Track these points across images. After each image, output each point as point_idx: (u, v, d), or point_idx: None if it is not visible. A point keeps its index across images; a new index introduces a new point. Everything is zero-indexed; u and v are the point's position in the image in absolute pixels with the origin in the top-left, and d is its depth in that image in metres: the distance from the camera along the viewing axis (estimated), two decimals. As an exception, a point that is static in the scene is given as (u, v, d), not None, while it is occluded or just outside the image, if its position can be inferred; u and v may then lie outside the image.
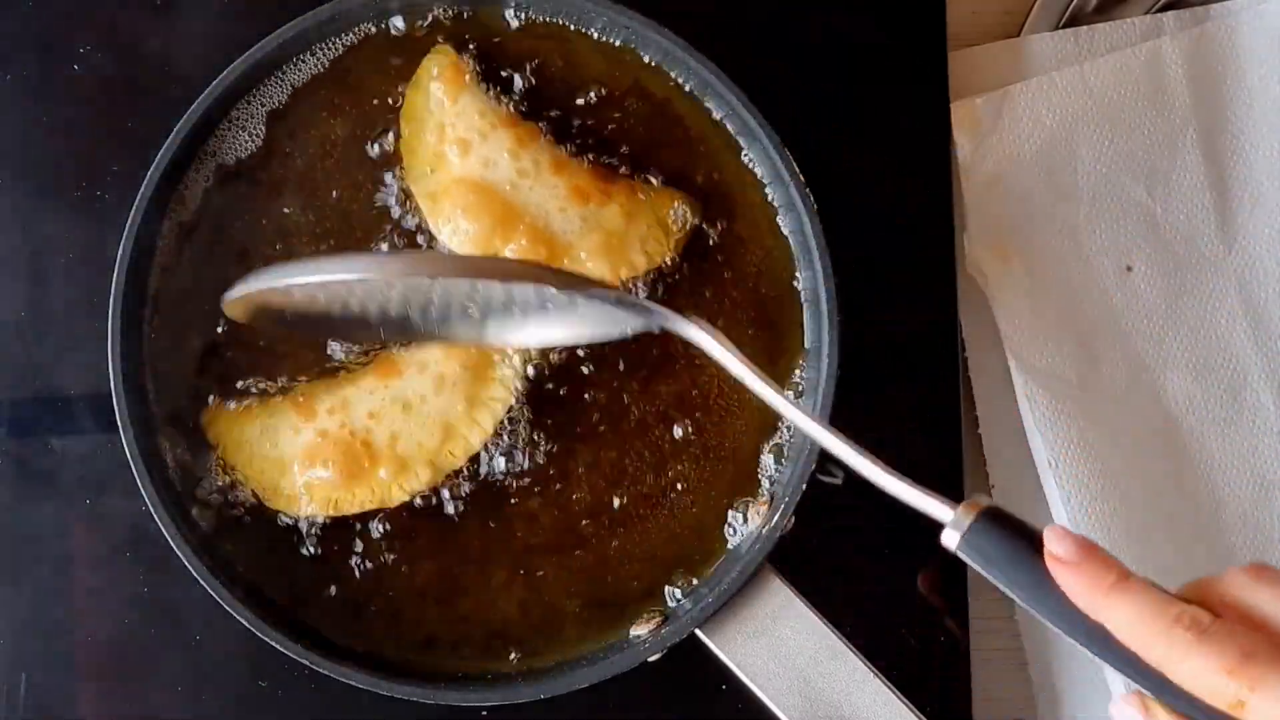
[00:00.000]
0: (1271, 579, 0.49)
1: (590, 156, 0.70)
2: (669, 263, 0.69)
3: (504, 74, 0.70)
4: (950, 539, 0.52)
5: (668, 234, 0.69)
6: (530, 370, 0.69)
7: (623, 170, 0.70)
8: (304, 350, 0.69)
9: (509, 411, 0.68)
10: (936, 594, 0.72)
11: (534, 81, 0.70)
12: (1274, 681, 0.46)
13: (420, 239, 0.69)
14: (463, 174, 0.67)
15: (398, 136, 0.69)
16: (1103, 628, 0.50)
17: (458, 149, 0.68)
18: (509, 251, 0.67)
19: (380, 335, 0.64)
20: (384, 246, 0.69)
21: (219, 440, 0.68)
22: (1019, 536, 0.51)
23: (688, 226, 0.70)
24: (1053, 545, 0.51)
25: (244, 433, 0.68)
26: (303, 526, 0.68)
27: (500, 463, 0.69)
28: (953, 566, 0.67)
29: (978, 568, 0.52)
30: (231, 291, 0.59)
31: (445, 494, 0.69)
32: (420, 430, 0.67)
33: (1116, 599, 0.49)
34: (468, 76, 0.69)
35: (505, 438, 0.69)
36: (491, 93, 0.69)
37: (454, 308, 0.61)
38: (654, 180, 0.70)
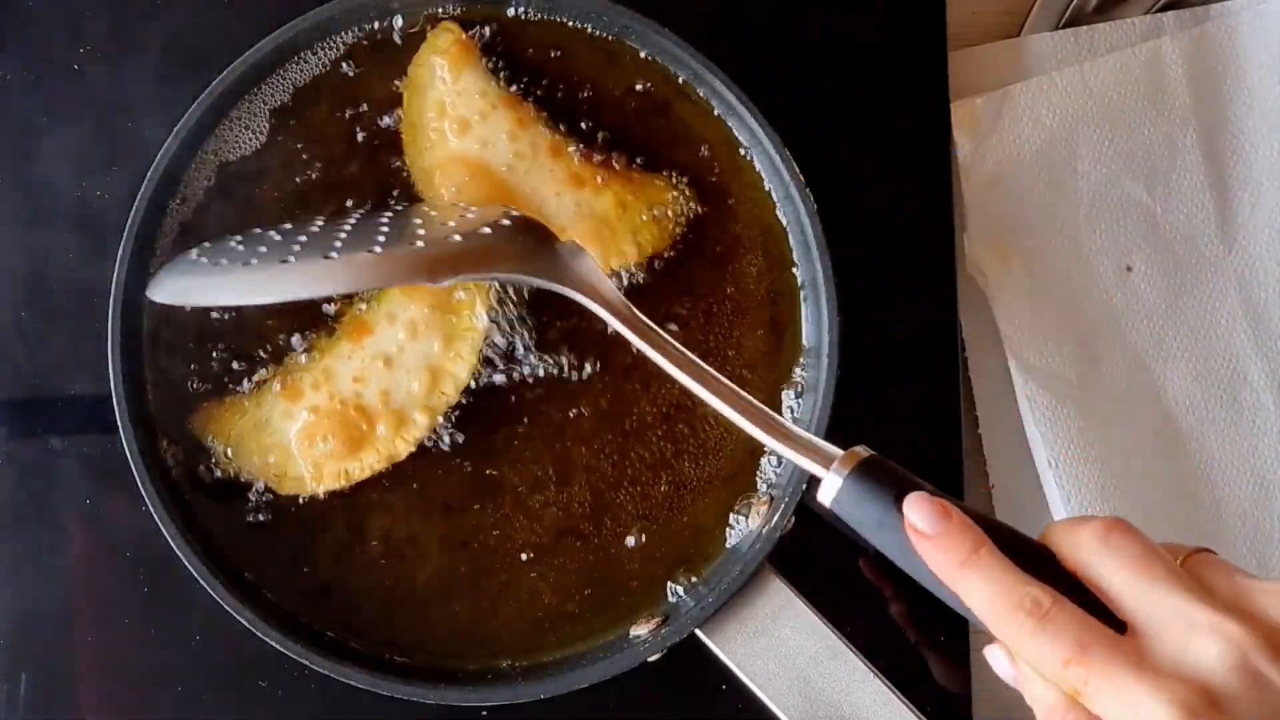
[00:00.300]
0: (1118, 544, 0.50)
1: (586, 147, 0.70)
2: (665, 254, 0.69)
3: (503, 65, 0.70)
4: (825, 495, 0.53)
5: (662, 226, 0.69)
6: (494, 293, 0.68)
7: (619, 162, 0.70)
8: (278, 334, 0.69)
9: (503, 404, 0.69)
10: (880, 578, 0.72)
11: (532, 78, 0.70)
12: (1105, 672, 0.47)
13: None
14: (460, 151, 0.68)
15: (398, 131, 0.69)
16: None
17: (456, 126, 0.68)
18: None
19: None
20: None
21: (217, 438, 0.68)
22: (888, 494, 0.52)
23: (684, 218, 0.70)
24: (910, 514, 0.51)
25: (239, 427, 0.68)
26: (305, 523, 0.68)
27: (502, 461, 0.69)
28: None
29: (849, 522, 0.53)
30: (154, 292, 0.62)
31: (445, 495, 0.69)
32: (407, 379, 0.67)
33: (969, 574, 0.50)
34: (472, 53, 0.69)
35: (506, 439, 0.69)
36: (495, 72, 0.69)
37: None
38: (653, 173, 0.70)
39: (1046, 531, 0.52)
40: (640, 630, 0.68)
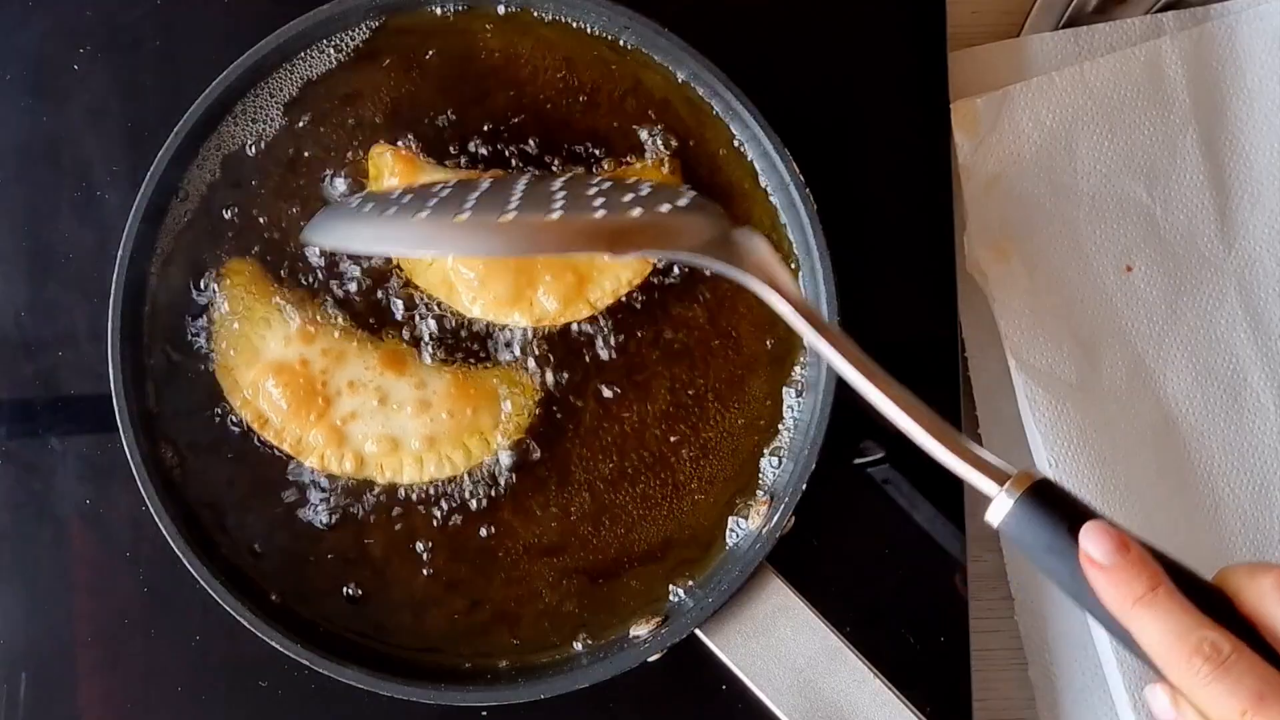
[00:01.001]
0: None
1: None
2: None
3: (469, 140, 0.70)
4: (994, 516, 0.52)
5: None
6: (505, 459, 0.69)
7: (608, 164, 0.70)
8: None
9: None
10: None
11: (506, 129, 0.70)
12: None
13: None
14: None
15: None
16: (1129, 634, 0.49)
17: None
18: (540, 297, 0.68)
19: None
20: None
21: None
22: (1061, 521, 0.50)
23: None
24: (1086, 544, 0.50)
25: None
26: (304, 524, 0.68)
27: (504, 460, 0.69)
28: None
29: (1019, 548, 0.51)
30: (307, 236, 0.61)
31: (444, 494, 0.69)
32: (375, 428, 0.67)
33: (1143, 612, 0.49)
34: (418, 159, 0.69)
35: (505, 439, 0.69)
36: (450, 154, 0.70)
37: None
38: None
39: (1224, 574, 0.51)
40: (640, 630, 0.68)
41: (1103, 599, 0.49)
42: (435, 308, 0.69)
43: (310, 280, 0.69)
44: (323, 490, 0.69)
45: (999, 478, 0.52)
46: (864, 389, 0.55)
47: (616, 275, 0.68)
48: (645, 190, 0.60)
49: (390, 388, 0.68)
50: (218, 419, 0.69)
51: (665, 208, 0.58)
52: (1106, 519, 0.51)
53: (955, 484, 0.73)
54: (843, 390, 0.67)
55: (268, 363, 0.68)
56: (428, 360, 0.68)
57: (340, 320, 0.69)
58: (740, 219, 0.70)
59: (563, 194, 0.58)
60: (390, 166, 0.68)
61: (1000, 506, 0.51)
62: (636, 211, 0.57)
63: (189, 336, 0.69)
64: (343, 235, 0.60)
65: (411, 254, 0.64)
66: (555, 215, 0.56)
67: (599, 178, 0.64)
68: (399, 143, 0.69)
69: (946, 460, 0.54)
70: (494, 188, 0.60)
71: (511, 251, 0.59)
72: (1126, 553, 0.49)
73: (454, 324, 0.69)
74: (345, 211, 0.61)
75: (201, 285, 0.69)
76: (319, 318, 0.68)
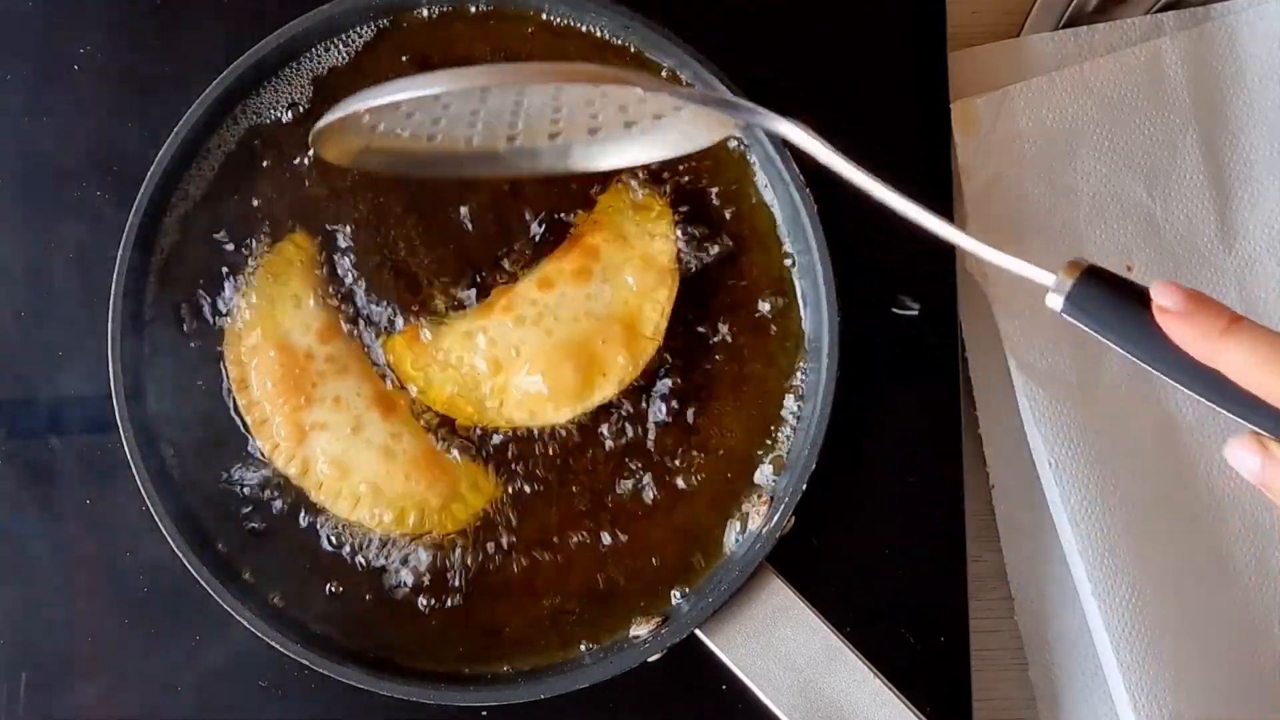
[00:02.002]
0: None
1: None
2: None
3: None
4: (1055, 301, 0.52)
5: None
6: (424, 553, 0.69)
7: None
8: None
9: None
10: None
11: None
12: None
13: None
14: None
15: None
16: (1217, 374, 0.50)
17: None
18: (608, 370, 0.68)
19: (470, 168, 0.64)
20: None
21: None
22: (1124, 293, 0.51)
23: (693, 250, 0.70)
24: (1160, 298, 0.50)
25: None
26: (304, 525, 0.68)
27: (422, 556, 0.69)
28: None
29: (1085, 328, 0.52)
30: (316, 127, 0.58)
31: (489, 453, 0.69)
32: (335, 450, 0.67)
33: (1230, 343, 0.49)
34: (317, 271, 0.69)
35: (504, 442, 0.69)
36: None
37: (539, 135, 0.61)
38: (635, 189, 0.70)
39: None
40: (640, 630, 0.68)
41: (1185, 345, 0.50)
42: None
43: (350, 287, 0.69)
44: (262, 477, 0.68)
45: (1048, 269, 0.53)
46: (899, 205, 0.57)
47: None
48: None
49: (368, 423, 0.68)
50: (218, 418, 0.69)
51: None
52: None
53: (956, 484, 0.73)
54: (842, 391, 0.68)
55: (279, 337, 0.68)
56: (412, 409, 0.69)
57: (361, 336, 0.69)
58: (739, 219, 0.70)
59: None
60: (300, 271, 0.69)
61: (1061, 289, 0.52)
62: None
63: (197, 319, 0.69)
64: (350, 102, 0.57)
65: (425, 92, 0.58)
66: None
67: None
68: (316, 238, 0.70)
69: (994, 257, 0.55)
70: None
71: (528, 80, 0.58)
72: (1200, 298, 0.50)
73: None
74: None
75: (246, 246, 0.69)
76: (343, 324, 0.69)
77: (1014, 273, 0.54)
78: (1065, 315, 0.52)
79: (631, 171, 0.69)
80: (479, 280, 0.69)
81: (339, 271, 0.69)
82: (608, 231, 0.69)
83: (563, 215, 0.70)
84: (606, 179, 0.70)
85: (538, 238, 0.70)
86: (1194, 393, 0.51)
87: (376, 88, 0.56)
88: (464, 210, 0.70)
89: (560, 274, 0.68)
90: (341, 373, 0.68)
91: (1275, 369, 0.48)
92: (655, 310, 0.68)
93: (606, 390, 0.68)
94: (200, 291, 0.69)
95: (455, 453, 0.68)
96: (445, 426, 0.69)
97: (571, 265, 0.68)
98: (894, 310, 0.72)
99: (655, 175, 0.70)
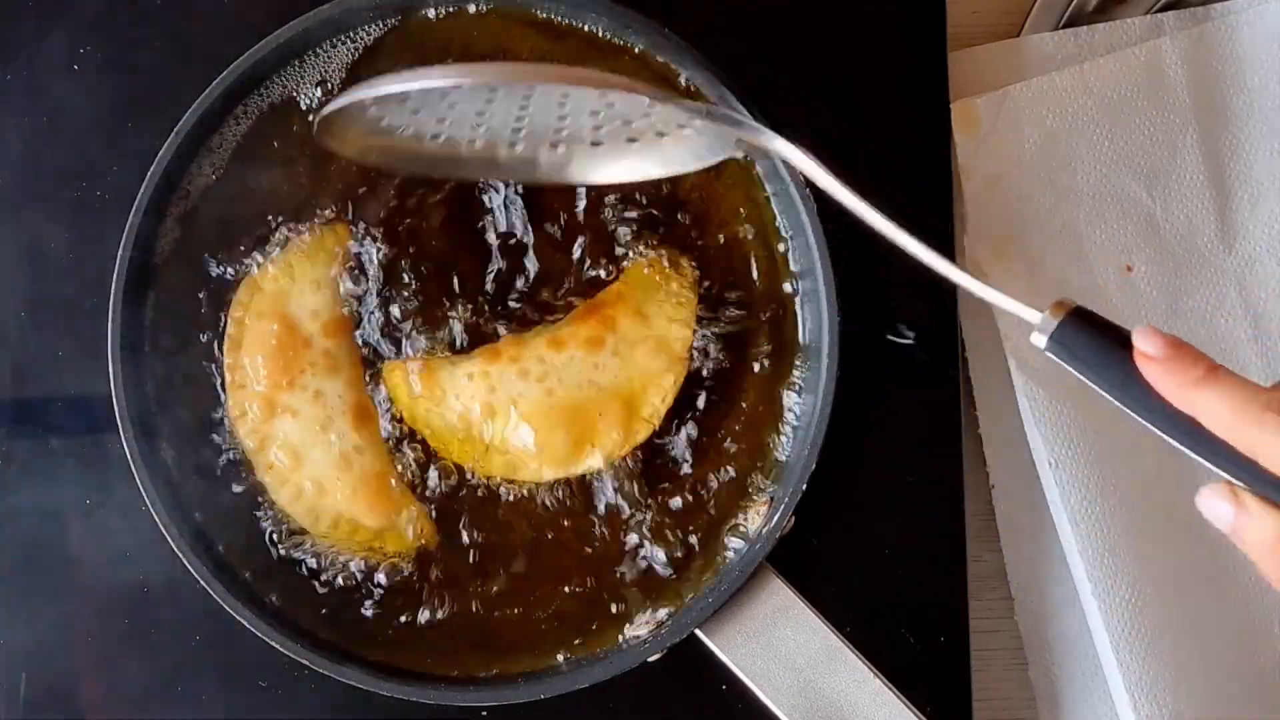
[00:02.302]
0: None
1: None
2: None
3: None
4: (1039, 339, 0.54)
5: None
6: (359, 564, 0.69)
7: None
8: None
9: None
10: None
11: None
12: None
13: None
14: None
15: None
16: (1193, 420, 0.50)
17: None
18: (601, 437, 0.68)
19: (469, 170, 0.64)
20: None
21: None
22: (1106, 335, 0.53)
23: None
24: (1141, 343, 0.51)
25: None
26: (410, 552, 0.68)
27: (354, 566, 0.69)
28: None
29: (1067, 366, 0.53)
30: (321, 112, 0.59)
31: (442, 495, 0.69)
32: (295, 438, 0.67)
33: (1205, 390, 0.50)
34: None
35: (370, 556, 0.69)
36: None
37: (541, 142, 0.62)
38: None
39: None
40: (640, 630, 0.68)
41: (1162, 389, 0.51)
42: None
43: (370, 292, 0.70)
44: (218, 445, 0.69)
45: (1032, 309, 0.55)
46: (891, 233, 0.59)
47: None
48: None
49: (338, 427, 0.68)
50: (218, 418, 0.69)
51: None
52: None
53: (956, 484, 0.73)
54: (842, 391, 0.68)
55: (287, 313, 0.68)
56: (383, 434, 0.69)
57: (366, 341, 0.69)
58: (740, 219, 0.70)
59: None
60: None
61: (1046, 327, 0.54)
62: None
63: (199, 319, 0.69)
64: (357, 90, 0.57)
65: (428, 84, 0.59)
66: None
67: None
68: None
69: (983, 293, 0.57)
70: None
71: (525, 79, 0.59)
72: (1179, 345, 0.51)
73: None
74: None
75: (245, 252, 0.69)
76: (354, 330, 0.69)
77: (1001, 308, 0.55)
78: (1049, 353, 0.53)
79: (666, 247, 0.69)
80: (491, 321, 0.69)
81: (366, 273, 0.69)
82: (629, 306, 0.69)
83: (594, 272, 0.70)
84: (637, 249, 0.70)
85: (564, 291, 0.70)
86: (1171, 438, 0.52)
87: (385, 77, 0.56)
88: (495, 244, 0.70)
89: (574, 337, 0.68)
90: (332, 371, 0.68)
91: (1249, 418, 0.49)
92: (658, 395, 0.68)
93: (593, 462, 0.68)
94: (201, 292, 0.69)
95: (407, 488, 0.68)
96: (414, 461, 0.69)
97: (587, 331, 0.68)
98: (890, 337, 0.72)
99: (683, 244, 0.70)
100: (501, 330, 0.69)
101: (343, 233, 0.69)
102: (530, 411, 0.67)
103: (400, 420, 0.69)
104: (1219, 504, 0.51)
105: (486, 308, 0.70)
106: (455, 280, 0.69)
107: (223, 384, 0.68)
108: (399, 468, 0.69)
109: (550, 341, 0.68)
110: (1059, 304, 0.54)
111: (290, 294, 0.68)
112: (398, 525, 0.68)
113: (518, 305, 0.70)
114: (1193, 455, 0.51)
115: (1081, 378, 0.53)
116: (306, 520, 0.68)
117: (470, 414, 0.68)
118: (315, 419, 0.68)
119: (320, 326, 0.68)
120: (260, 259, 0.69)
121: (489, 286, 0.70)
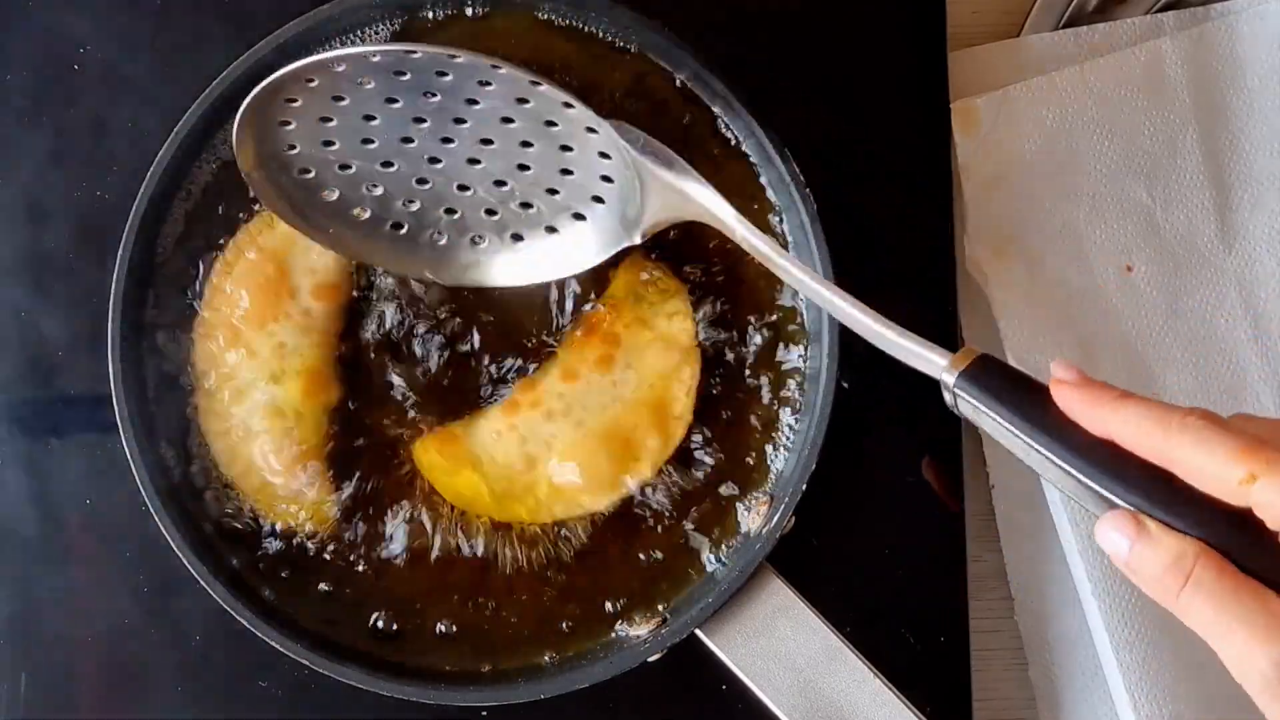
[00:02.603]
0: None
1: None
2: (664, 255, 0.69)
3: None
4: (947, 378, 0.54)
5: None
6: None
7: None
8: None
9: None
10: (935, 474, 0.72)
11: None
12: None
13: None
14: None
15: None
16: (1104, 445, 0.50)
17: None
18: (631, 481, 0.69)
19: (383, 257, 0.68)
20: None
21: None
22: (1014, 376, 0.53)
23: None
24: (1059, 371, 0.52)
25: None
26: (303, 527, 0.68)
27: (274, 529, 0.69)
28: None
29: (975, 403, 0.53)
30: (236, 119, 0.62)
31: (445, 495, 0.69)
32: (251, 391, 0.68)
33: (1123, 407, 0.50)
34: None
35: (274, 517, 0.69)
36: None
37: (467, 229, 0.66)
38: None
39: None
40: (640, 630, 0.68)
41: (1076, 412, 0.51)
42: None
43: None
44: (177, 352, 0.69)
45: (940, 361, 0.55)
46: (809, 289, 0.61)
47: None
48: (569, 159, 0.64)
49: (287, 386, 0.68)
50: (185, 278, 0.69)
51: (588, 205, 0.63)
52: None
53: (956, 483, 0.73)
54: (842, 391, 0.68)
55: (287, 259, 0.68)
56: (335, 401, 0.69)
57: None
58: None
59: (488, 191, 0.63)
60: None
61: (954, 368, 0.54)
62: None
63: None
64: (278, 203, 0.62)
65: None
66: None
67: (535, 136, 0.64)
68: None
69: (888, 348, 0.58)
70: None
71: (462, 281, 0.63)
72: (1094, 375, 0.51)
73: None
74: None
75: None
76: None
77: (909, 356, 0.57)
78: (957, 392, 0.54)
79: (643, 248, 0.69)
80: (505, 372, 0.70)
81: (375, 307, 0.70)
82: (626, 316, 0.69)
83: (582, 298, 0.70)
84: (618, 260, 0.69)
85: (555, 326, 0.70)
86: (1080, 472, 0.50)
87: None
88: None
89: (583, 363, 0.68)
90: (304, 330, 0.68)
91: (1169, 425, 0.48)
92: (682, 390, 0.68)
93: (642, 473, 0.68)
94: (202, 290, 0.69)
95: (324, 476, 0.69)
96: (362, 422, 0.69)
97: (594, 354, 0.68)
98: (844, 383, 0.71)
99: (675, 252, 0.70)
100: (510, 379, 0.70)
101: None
102: (567, 449, 0.67)
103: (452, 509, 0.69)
104: (1116, 536, 0.50)
105: (491, 368, 0.70)
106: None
107: (199, 299, 0.68)
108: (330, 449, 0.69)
109: (563, 375, 0.68)
110: (965, 351, 0.54)
111: (296, 244, 0.68)
112: (303, 498, 0.68)
113: (516, 360, 0.70)
114: (1101, 490, 0.50)
115: (991, 416, 0.53)
116: (223, 459, 0.68)
117: (512, 470, 0.68)
118: (269, 368, 0.67)
119: (312, 285, 0.68)
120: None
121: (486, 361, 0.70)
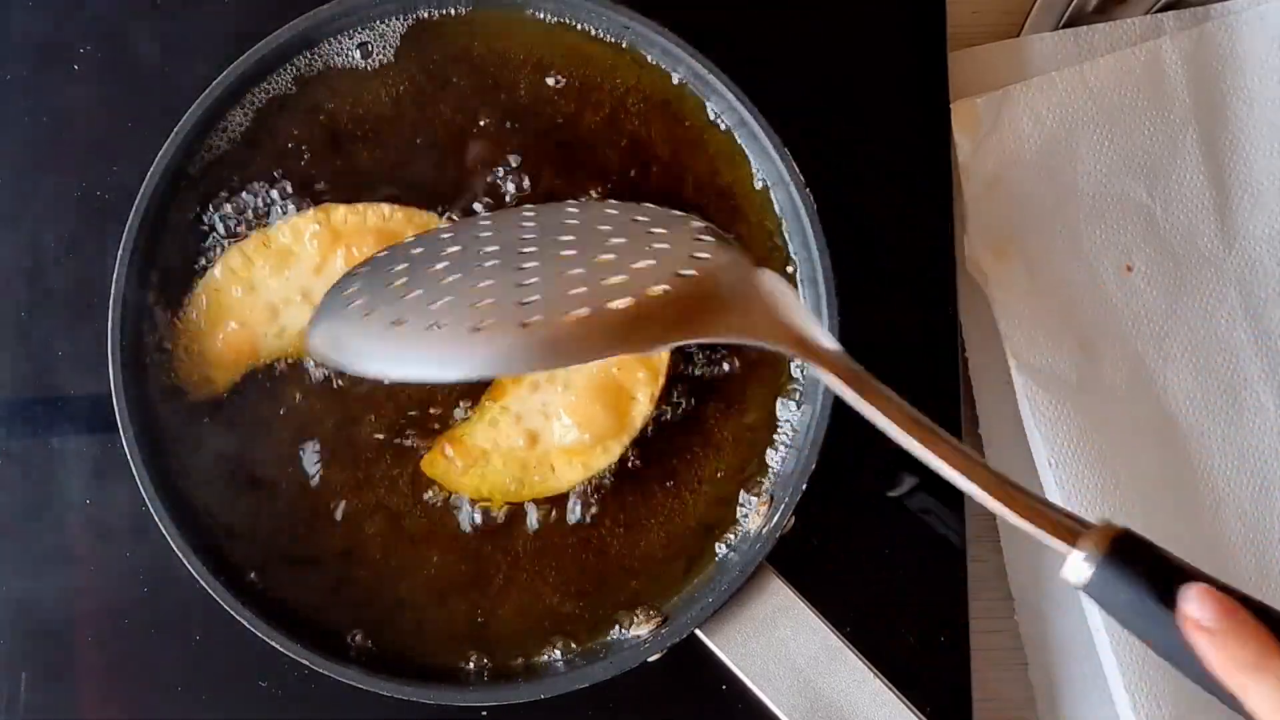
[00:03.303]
0: None
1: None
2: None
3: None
4: (1073, 575, 0.49)
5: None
6: None
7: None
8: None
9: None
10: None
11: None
12: None
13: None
14: None
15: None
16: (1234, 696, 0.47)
17: None
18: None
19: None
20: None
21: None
22: (1150, 577, 0.48)
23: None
24: (1190, 608, 0.47)
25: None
26: (302, 528, 0.68)
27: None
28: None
29: (1106, 612, 0.49)
30: (311, 343, 0.59)
31: (444, 496, 0.69)
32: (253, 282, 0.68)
33: (1255, 680, 0.46)
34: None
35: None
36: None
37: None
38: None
39: None
40: (640, 630, 0.68)
41: (1209, 665, 0.47)
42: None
43: None
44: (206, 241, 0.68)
45: (1071, 534, 0.49)
46: (913, 448, 0.52)
47: None
48: (660, 235, 0.57)
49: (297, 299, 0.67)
50: (218, 417, 0.69)
51: (689, 272, 0.53)
52: (1204, 577, 0.48)
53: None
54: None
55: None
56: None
57: None
58: (740, 220, 0.70)
59: (579, 270, 0.54)
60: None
61: (1079, 566, 0.49)
62: (661, 289, 0.52)
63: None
64: (353, 354, 0.55)
65: (431, 378, 0.58)
66: (580, 313, 0.51)
67: (609, 221, 0.60)
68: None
69: (1012, 519, 0.51)
70: (503, 258, 0.56)
71: (545, 366, 0.56)
72: (1235, 616, 0.47)
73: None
74: (346, 317, 0.56)
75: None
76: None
77: (1032, 535, 0.50)
78: (1084, 594, 0.49)
79: (597, 190, 0.69)
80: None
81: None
82: None
83: None
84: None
85: None
86: (1210, 691, 0.48)
87: (383, 352, 0.54)
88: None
89: None
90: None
91: None
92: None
93: (643, 409, 0.68)
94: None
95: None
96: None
97: None
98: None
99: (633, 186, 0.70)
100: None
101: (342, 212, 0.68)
102: (564, 411, 0.68)
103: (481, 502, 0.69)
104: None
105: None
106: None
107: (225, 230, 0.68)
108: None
109: None
110: (1101, 533, 0.48)
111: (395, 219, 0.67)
112: (214, 372, 0.68)
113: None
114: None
115: (1122, 626, 0.49)
116: (211, 282, 0.68)
117: (518, 451, 0.68)
118: (313, 289, 0.67)
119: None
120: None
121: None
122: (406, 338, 0.53)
